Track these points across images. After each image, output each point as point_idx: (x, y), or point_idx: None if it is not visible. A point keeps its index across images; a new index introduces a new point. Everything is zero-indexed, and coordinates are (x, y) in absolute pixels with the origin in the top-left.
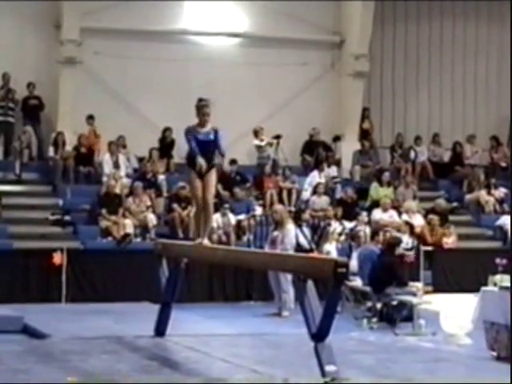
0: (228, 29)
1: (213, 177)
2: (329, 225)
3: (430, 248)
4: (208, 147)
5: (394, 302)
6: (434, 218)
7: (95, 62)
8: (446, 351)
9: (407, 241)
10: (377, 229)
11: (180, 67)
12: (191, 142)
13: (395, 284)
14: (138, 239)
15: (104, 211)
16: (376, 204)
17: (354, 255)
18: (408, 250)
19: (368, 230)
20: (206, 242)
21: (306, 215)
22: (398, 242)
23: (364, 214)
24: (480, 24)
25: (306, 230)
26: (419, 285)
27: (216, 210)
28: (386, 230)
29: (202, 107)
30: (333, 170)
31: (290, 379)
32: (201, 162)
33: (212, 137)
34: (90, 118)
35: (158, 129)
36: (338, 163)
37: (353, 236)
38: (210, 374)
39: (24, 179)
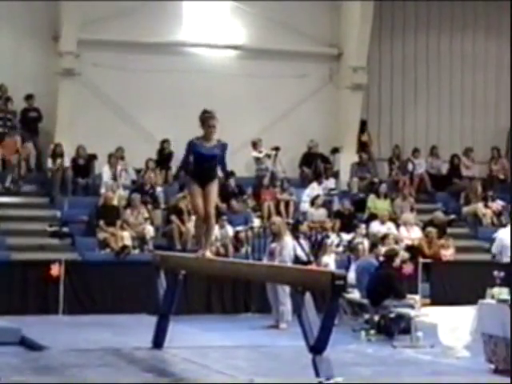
0: (226, 41)
1: (214, 188)
2: (327, 237)
3: (428, 260)
4: (211, 161)
5: (392, 315)
6: (432, 231)
7: (93, 73)
8: (444, 364)
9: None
10: (375, 241)
11: (178, 79)
12: (189, 155)
13: (393, 296)
14: (136, 251)
15: (102, 223)
16: (374, 216)
17: (353, 267)
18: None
19: (366, 242)
20: (208, 253)
21: (304, 227)
22: (396, 253)
23: (363, 226)
24: (477, 36)
25: (304, 242)
26: (417, 297)
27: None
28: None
29: (207, 119)
30: (331, 182)
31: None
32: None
33: (216, 152)
34: None
35: (156, 140)
36: (336, 175)
37: (351, 248)
38: None
39: (22, 191)
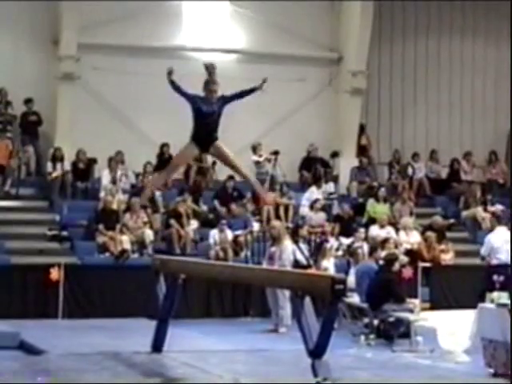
0: (226, 45)
1: (223, 148)
2: (326, 241)
3: (427, 264)
4: (211, 118)
5: (392, 319)
6: (432, 235)
7: (93, 77)
8: (444, 368)
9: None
10: (375, 245)
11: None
12: (188, 95)
13: (392, 301)
14: (136, 255)
15: (101, 227)
16: (373, 220)
17: (352, 271)
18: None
19: (366, 246)
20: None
21: (304, 231)
22: (396, 258)
23: (362, 230)
24: (477, 40)
25: (303, 246)
26: (416, 301)
27: (213, 225)
28: (383, 245)
29: (208, 83)
30: (330, 186)
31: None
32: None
33: (216, 108)
34: None
35: (156, 144)
36: (335, 179)
37: (351, 252)
38: None
39: (21, 194)
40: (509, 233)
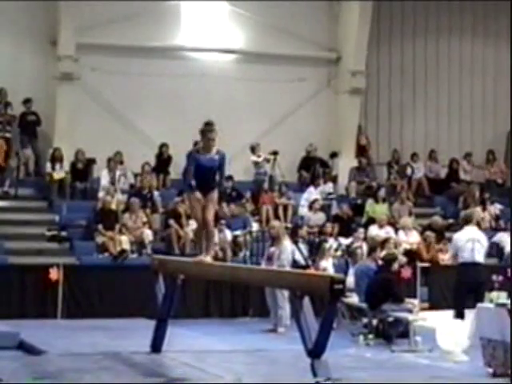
0: (224, 45)
1: (214, 197)
2: (325, 241)
3: (426, 264)
4: (210, 171)
5: (391, 319)
6: (431, 235)
7: (92, 77)
8: (443, 368)
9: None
10: (374, 245)
11: (177, 83)
12: (191, 166)
13: (391, 300)
14: (135, 255)
15: (100, 227)
16: (372, 220)
17: (351, 272)
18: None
19: (365, 246)
20: (208, 258)
21: (303, 231)
22: (395, 258)
23: (361, 230)
24: (476, 41)
25: (302, 247)
26: (415, 301)
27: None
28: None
29: (206, 132)
30: (329, 187)
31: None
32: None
33: (216, 163)
34: None
35: (155, 144)
36: (334, 179)
37: (350, 252)
38: None
39: (20, 195)
40: (476, 232)
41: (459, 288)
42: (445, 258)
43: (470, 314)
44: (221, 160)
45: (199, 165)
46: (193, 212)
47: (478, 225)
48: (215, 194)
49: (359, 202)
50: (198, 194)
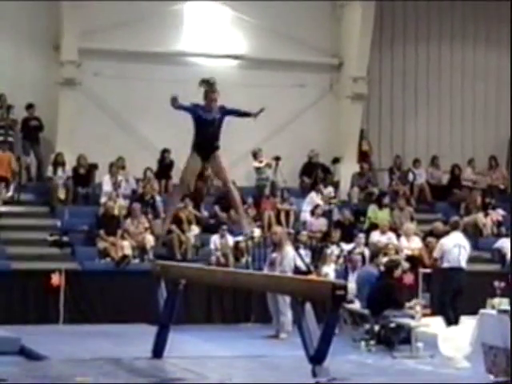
0: (227, 51)
1: (219, 159)
2: (326, 247)
3: (428, 270)
4: (212, 126)
5: (392, 325)
6: (433, 241)
7: (94, 83)
8: (444, 374)
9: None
10: (376, 251)
11: (179, 89)
12: (189, 108)
13: (393, 307)
14: (136, 260)
15: (102, 232)
16: (374, 226)
17: (351, 278)
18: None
19: (367, 251)
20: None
21: (303, 237)
22: (397, 265)
23: (361, 235)
24: (478, 47)
25: (303, 252)
26: (418, 307)
27: (214, 231)
28: (384, 251)
29: (208, 93)
30: (329, 191)
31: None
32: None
33: (217, 116)
34: None
35: (157, 150)
36: (336, 185)
37: (349, 258)
38: None
39: (22, 200)
40: (461, 238)
41: (445, 292)
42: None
43: (471, 320)
44: (223, 114)
45: (199, 117)
46: (183, 175)
47: (465, 231)
48: (219, 156)
49: (361, 207)
50: (197, 159)
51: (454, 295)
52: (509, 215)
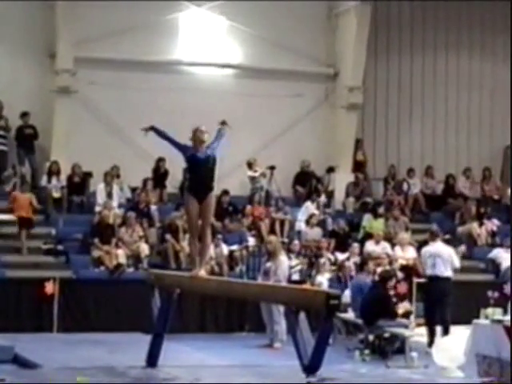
0: (222, 60)
1: (211, 202)
2: (321, 256)
3: (422, 280)
4: (207, 165)
5: (386, 335)
6: None
7: (90, 91)
8: None
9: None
10: (367, 259)
11: (174, 97)
12: (176, 142)
13: (387, 316)
14: (131, 269)
15: (97, 241)
16: (369, 236)
17: (344, 287)
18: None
19: (358, 261)
20: (202, 272)
21: (295, 246)
22: (391, 276)
23: (355, 245)
24: (473, 56)
25: (294, 261)
26: (411, 317)
27: None
28: (378, 262)
29: (196, 133)
30: (323, 200)
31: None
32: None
33: (210, 153)
34: None
35: (152, 159)
36: (330, 195)
37: (340, 267)
38: None
39: None
40: (440, 247)
41: (426, 301)
42: None
43: (464, 330)
44: (212, 150)
45: (192, 157)
46: (189, 221)
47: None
48: (212, 200)
49: (355, 218)
50: (194, 201)
51: (439, 305)
52: (503, 225)
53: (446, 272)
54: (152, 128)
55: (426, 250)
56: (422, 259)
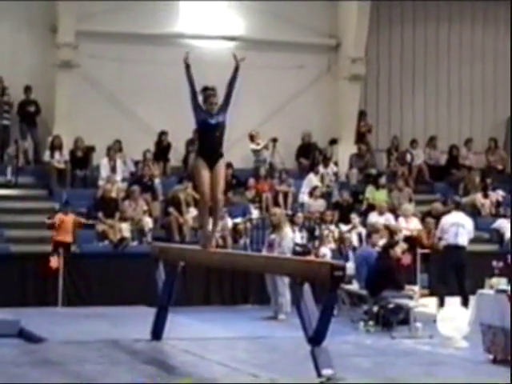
0: (224, 32)
1: (222, 169)
2: (324, 228)
3: (426, 251)
4: (218, 130)
5: (391, 305)
6: (431, 222)
7: (91, 65)
8: (443, 354)
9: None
10: (370, 231)
11: (176, 70)
12: (196, 123)
13: (392, 287)
14: (135, 243)
15: (100, 215)
16: (372, 207)
17: (346, 258)
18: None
19: (364, 232)
20: (213, 247)
21: (299, 218)
22: (395, 243)
23: (354, 215)
24: (475, 27)
25: (298, 234)
26: (416, 288)
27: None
28: (381, 234)
29: (208, 97)
30: (330, 170)
31: (279, 379)
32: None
33: (221, 119)
34: None
35: (154, 132)
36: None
37: (342, 239)
38: (208, 377)
39: (20, 183)
40: (462, 217)
41: (443, 270)
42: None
43: (470, 300)
44: (224, 112)
45: (204, 122)
46: (199, 188)
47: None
48: (223, 166)
49: (360, 189)
50: (205, 167)
51: (456, 274)
52: (507, 196)
53: (466, 242)
54: (187, 65)
55: (447, 219)
56: (443, 228)
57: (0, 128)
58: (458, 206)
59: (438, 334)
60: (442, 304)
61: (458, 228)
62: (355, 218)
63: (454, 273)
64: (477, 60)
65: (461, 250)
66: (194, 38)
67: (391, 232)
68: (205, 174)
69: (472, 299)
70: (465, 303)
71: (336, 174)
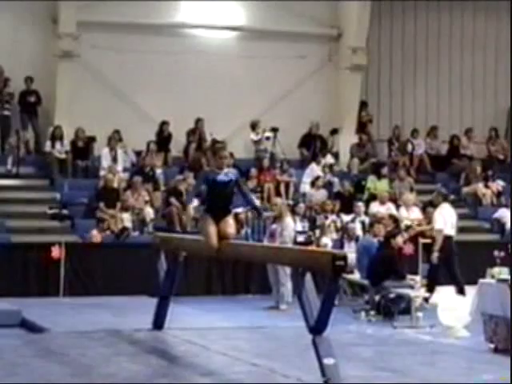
0: (225, 22)
1: (230, 222)
2: (326, 218)
3: (428, 241)
4: (226, 188)
5: (392, 295)
6: (432, 212)
7: (92, 55)
8: (444, 344)
9: None
10: (372, 221)
11: (177, 60)
12: (201, 183)
13: (393, 277)
14: (136, 233)
15: (102, 205)
16: (373, 197)
17: (347, 248)
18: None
19: (367, 221)
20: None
21: (300, 208)
22: (397, 233)
23: (360, 204)
24: (477, 17)
25: (299, 224)
26: (417, 278)
27: None
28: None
29: (218, 150)
30: (329, 159)
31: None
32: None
33: (231, 177)
34: None
35: (156, 122)
36: (335, 156)
37: (345, 228)
38: (209, 367)
39: (21, 173)
40: (449, 208)
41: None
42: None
43: (470, 290)
44: (236, 175)
45: (213, 181)
46: (207, 237)
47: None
48: (230, 220)
49: (361, 178)
50: (211, 221)
51: (446, 263)
52: (508, 185)
53: (454, 232)
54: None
55: (445, 209)
56: (445, 218)
57: (1, 118)
58: (446, 198)
59: (440, 324)
60: (432, 291)
61: (452, 219)
62: (361, 207)
63: (443, 262)
64: (478, 49)
65: (450, 240)
66: (195, 27)
67: (396, 221)
68: (212, 230)
69: (473, 289)
70: (461, 291)
71: (331, 166)
